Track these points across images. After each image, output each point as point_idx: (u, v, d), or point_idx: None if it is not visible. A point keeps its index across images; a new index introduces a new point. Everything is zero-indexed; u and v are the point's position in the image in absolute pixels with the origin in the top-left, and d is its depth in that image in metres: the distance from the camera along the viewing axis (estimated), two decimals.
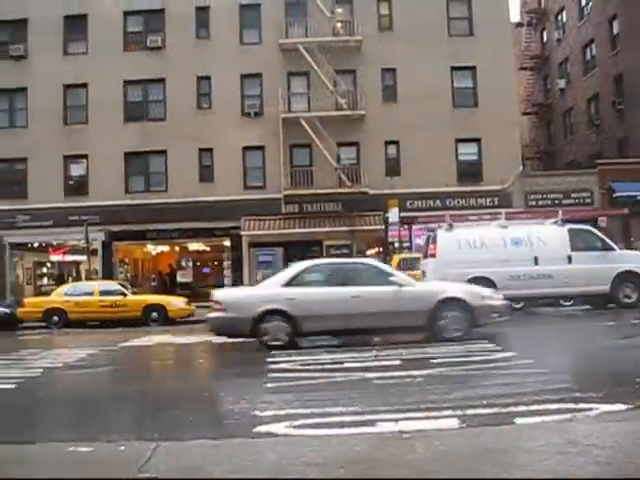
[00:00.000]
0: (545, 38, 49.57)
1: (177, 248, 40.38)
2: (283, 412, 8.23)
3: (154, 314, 26.47)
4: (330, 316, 14.68)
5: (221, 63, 36.10)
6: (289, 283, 15.35)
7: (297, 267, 16.32)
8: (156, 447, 6.67)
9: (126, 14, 37.25)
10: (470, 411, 7.80)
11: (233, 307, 15.20)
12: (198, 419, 8.47)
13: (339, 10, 37.12)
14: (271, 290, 15.41)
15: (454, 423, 7.35)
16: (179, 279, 39.64)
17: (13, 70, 36.68)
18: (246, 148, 36.34)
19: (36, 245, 38.14)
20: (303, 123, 34.81)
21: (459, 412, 7.75)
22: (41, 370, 13.34)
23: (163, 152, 36.55)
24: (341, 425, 7.45)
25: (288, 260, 34.62)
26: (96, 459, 6.69)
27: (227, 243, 36.90)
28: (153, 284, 40.13)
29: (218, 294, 16.16)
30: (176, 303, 27.58)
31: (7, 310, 27.57)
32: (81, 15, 36.96)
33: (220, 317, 15.21)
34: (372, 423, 7.49)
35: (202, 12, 37.00)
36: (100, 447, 6.94)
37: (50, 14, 36.56)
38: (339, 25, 36.74)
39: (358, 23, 36.19)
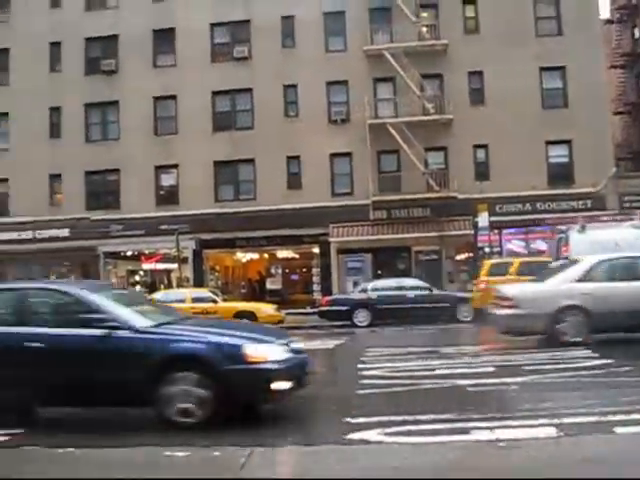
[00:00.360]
0: (636, 35, 48.07)
1: (266, 255, 40.62)
2: (375, 419, 8.21)
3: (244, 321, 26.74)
4: (631, 312, 13.88)
5: (307, 71, 36.23)
6: (582, 278, 14.85)
7: (588, 262, 15.57)
8: (250, 453, 6.73)
9: (213, 26, 37.81)
10: (566, 419, 7.64)
11: (527, 303, 14.60)
12: (291, 425, 8.50)
13: (424, 14, 36.75)
14: (565, 285, 14.85)
15: (551, 432, 7.22)
16: (268, 286, 39.87)
17: (105, 84, 37.69)
18: (333, 155, 36.37)
19: (129, 254, 38.93)
20: (390, 129, 34.63)
21: (555, 420, 7.60)
22: None
23: (251, 161, 36.91)
24: (434, 433, 7.40)
25: (377, 267, 34.75)
26: (192, 464, 6.80)
27: (316, 250, 36.94)
28: (243, 291, 40.51)
29: (509, 290, 15.62)
30: (266, 310, 27.74)
31: None
32: (169, 29, 37.74)
33: (512, 314, 14.62)
34: (466, 431, 7.42)
35: (287, 21, 37.27)
36: (195, 452, 7.05)
37: (139, 29, 37.51)
38: (424, 29, 36.41)
39: (443, 27, 35.88)
